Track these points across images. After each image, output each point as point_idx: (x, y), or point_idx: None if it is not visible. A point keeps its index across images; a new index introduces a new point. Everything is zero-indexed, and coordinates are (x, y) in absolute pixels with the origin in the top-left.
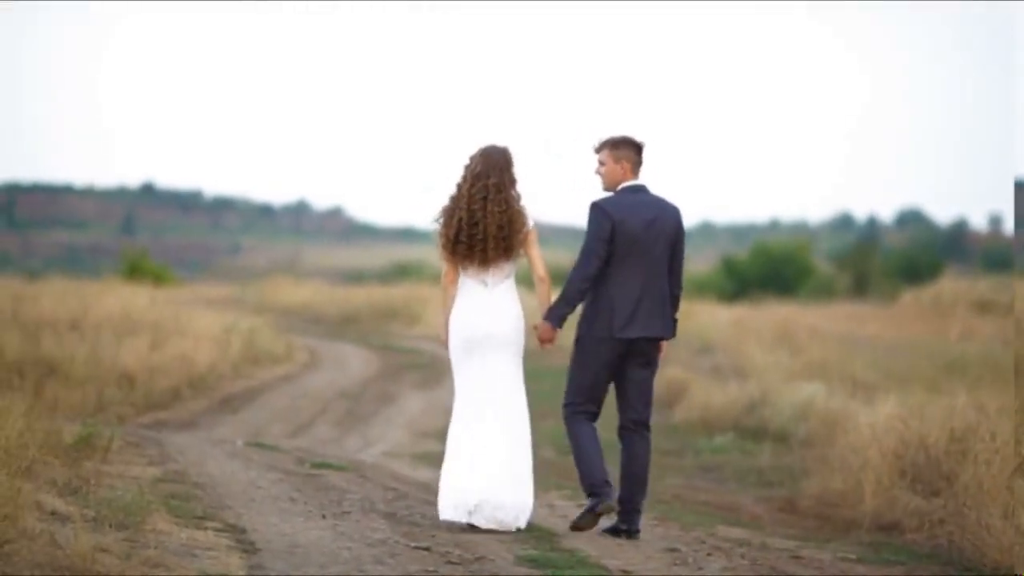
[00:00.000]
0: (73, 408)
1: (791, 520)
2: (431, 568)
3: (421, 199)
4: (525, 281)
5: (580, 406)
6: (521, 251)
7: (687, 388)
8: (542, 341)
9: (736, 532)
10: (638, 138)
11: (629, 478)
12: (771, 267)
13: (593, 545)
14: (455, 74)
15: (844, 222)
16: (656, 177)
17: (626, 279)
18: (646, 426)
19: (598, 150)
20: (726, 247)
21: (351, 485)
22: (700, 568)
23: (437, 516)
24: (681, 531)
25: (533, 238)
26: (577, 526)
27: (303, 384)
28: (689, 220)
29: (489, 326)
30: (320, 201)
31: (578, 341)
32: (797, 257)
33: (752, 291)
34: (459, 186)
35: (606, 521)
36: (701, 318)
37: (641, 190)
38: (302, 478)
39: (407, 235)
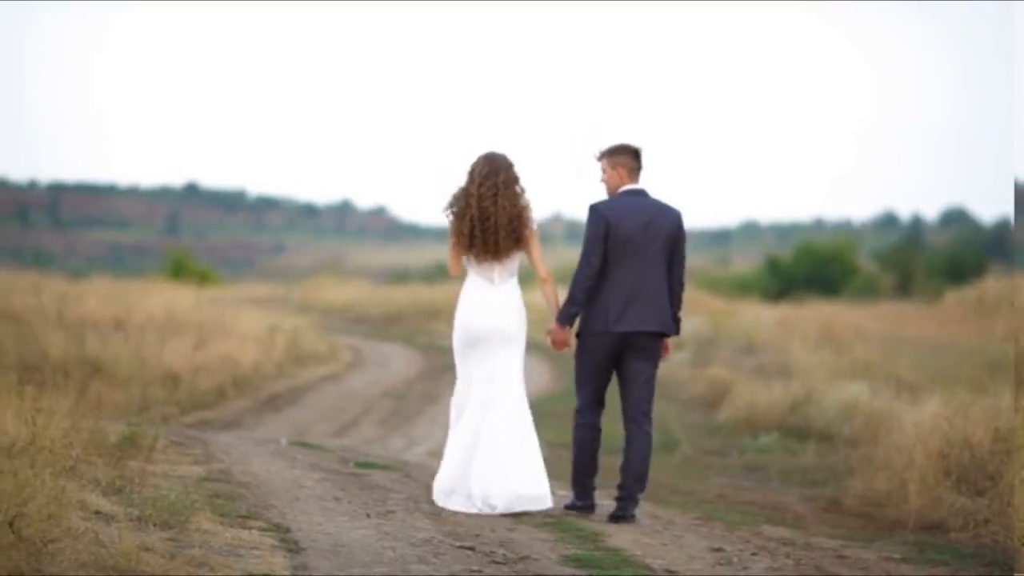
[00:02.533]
0: (117, 407)
1: (835, 519)
2: (475, 568)
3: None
4: (525, 280)
5: (585, 395)
6: (524, 251)
7: (731, 388)
8: (556, 344)
9: (781, 531)
10: (634, 144)
11: (627, 469)
12: (815, 266)
13: (637, 544)
14: (498, 75)
15: (888, 221)
16: (702, 178)
17: (621, 277)
18: (646, 417)
19: (599, 159)
20: (770, 246)
21: (395, 484)
22: (745, 567)
23: (480, 515)
24: (726, 530)
25: (536, 238)
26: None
27: (347, 383)
28: (734, 219)
29: (494, 321)
30: (364, 200)
31: (578, 336)
32: (841, 256)
33: (796, 290)
34: (467, 187)
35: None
36: (745, 317)
37: (639, 194)
38: (346, 477)
39: None
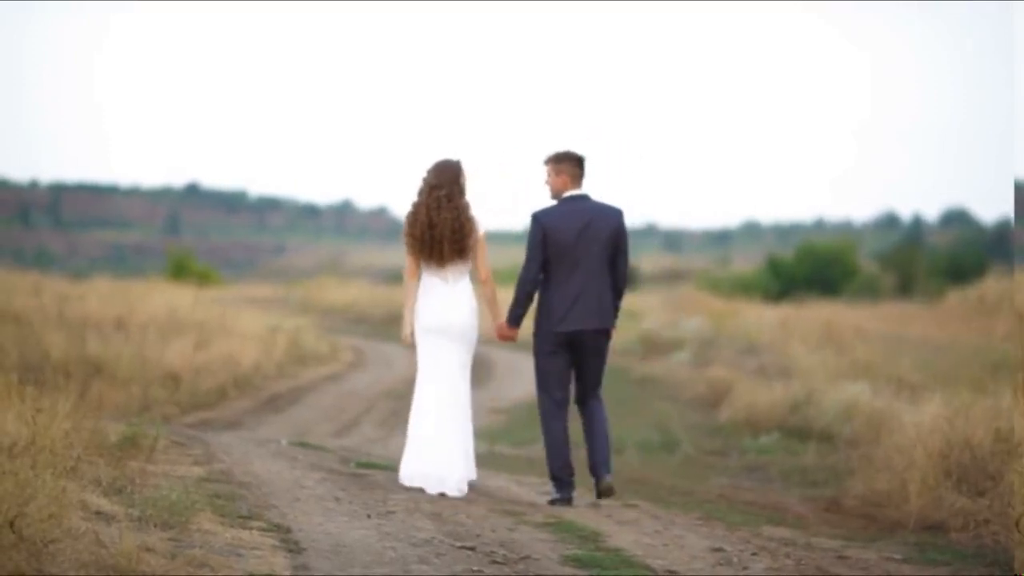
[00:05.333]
0: (118, 407)
1: (836, 520)
2: (476, 568)
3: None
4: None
5: (548, 396)
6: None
7: (732, 388)
8: (502, 338)
9: (781, 532)
10: (578, 152)
11: (590, 435)
12: (816, 267)
13: (638, 545)
14: (498, 75)
15: (889, 222)
16: (703, 178)
17: (564, 279)
18: (595, 394)
19: (545, 163)
20: (771, 247)
21: (396, 485)
22: (745, 568)
23: (481, 513)
24: (726, 531)
25: (482, 244)
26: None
27: (348, 383)
28: (734, 220)
29: (448, 317)
30: (364, 201)
31: (533, 336)
32: (842, 257)
33: (797, 291)
34: (420, 194)
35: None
36: (746, 318)
37: (580, 199)
38: (347, 477)
39: None
